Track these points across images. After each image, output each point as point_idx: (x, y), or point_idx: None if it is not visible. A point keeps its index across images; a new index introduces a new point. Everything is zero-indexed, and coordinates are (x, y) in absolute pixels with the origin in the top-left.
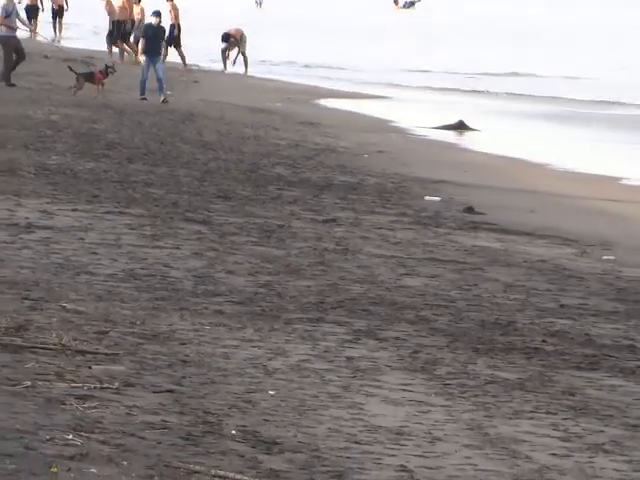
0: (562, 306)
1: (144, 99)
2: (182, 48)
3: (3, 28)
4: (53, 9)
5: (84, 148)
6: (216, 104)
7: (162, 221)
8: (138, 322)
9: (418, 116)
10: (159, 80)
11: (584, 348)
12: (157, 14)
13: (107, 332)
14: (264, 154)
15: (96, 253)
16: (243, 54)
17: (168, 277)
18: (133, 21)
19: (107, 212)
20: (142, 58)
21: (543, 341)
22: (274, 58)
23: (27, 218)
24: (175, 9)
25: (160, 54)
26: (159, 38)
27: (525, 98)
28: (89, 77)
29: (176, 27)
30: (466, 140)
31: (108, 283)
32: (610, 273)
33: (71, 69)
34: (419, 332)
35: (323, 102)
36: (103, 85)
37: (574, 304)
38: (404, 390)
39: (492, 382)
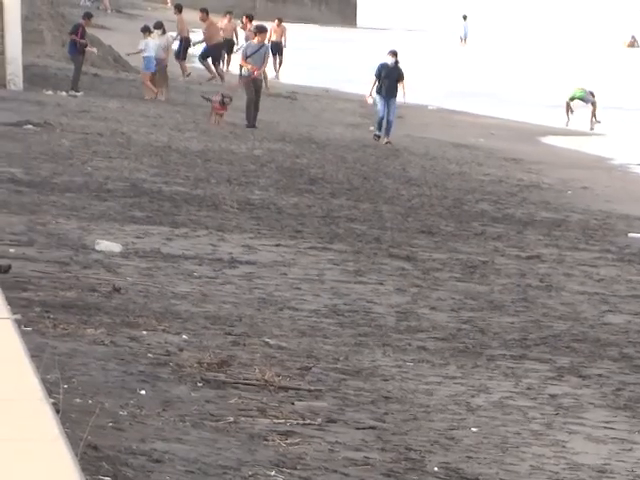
0: None
1: (378, 137)
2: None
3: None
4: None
5: (287, 183)
6: (420, 139)
7: (365, 257)
8: (341, 358)
9: (626, 153)
10: (389, 122)
11: None
12: (394, 53)
13: (310, 368)
14: (468, 190)
15: (299, 288)
16: (594, 105)
17: (371, 313)
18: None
19: (310, 247)
20: (370, 100)
21: None
22: (483, 92)
23: (230, 253)
24: (182, 22)
25: (396, 95)
26: (394, 78)
27: None
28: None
29: (184, 40)
30: None
31: (311, 319)
32: None
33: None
34: (622, 369)
35: (527, 137)
36: (221, 116)
37: None
38: (607, 428)
39: None
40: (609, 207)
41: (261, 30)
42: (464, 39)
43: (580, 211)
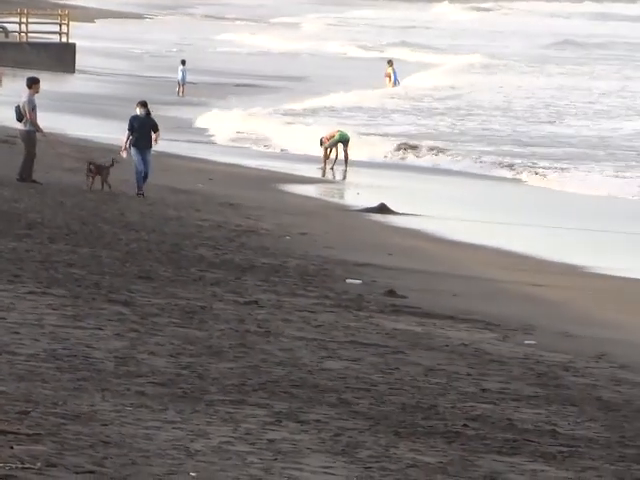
0: (483, 390)
1: (141, 195)
2: None
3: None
4: None
5: (5, 227)
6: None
7: (84, 301)
8: (60, 402)
9: (344, 198)
10: (146, 174)
11: (505, 433)
12: (144, 104)
13: (29, 412)
14: (186, 235)
15: (17, 333)
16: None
17: (90, 358)
18: None
19: (29, 292)
20: (125, 154)
21: (464, 425)
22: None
23: None
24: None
25: (150, 147)
26: (147, 129)
27: (457, 176)
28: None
29: None
30: (390, 223)
31: (30, 363)
32: (531, 357)
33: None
34: (340, 415)
35: (252, 184)
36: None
37: (495, 388)
38: (325, 473)
39: (413, 466)
40: (328, 253)
41: (35, 81)
42: (182, 84)
43: (298, 257)
